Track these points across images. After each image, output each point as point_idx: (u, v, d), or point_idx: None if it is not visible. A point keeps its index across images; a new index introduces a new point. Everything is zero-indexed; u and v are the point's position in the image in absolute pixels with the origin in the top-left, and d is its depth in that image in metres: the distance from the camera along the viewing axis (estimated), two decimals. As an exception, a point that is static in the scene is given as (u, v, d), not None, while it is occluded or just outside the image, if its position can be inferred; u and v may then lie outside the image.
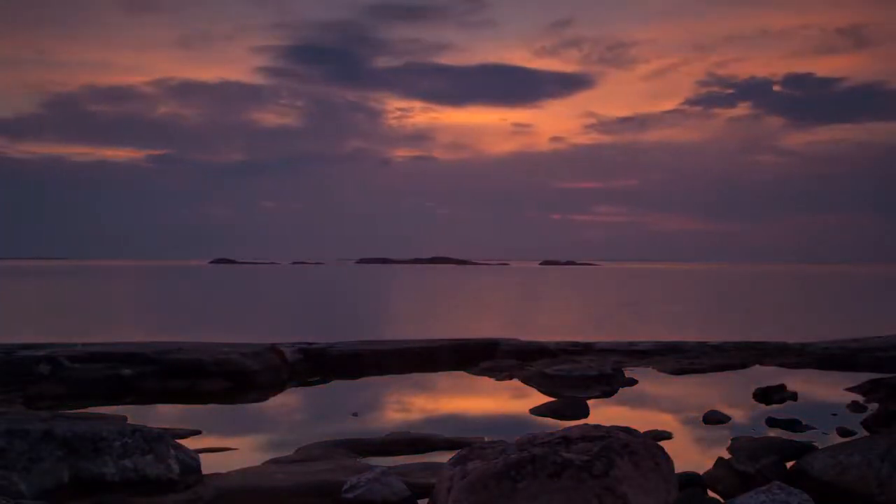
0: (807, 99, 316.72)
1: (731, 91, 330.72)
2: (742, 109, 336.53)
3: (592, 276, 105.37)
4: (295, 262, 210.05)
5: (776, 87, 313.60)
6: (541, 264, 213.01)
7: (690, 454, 7.32)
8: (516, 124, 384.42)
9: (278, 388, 11.40)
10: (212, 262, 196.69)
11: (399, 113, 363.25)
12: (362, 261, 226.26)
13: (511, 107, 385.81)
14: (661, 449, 4.94)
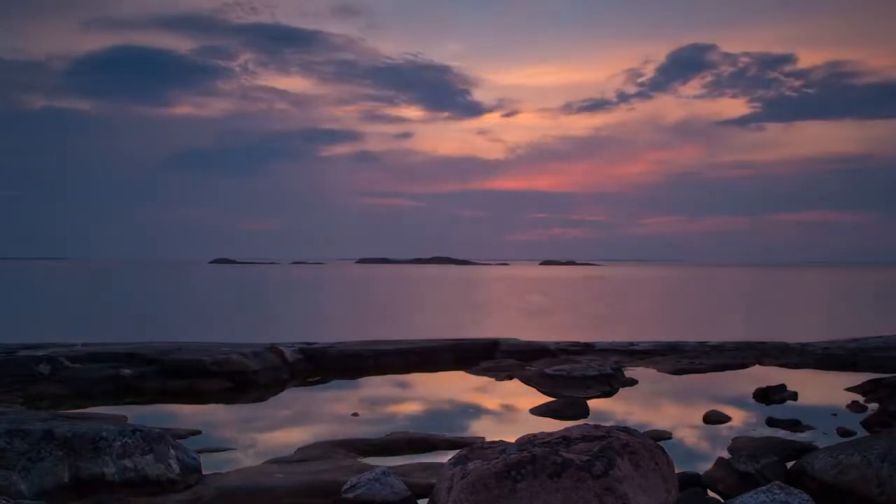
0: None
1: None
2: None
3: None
4: (295, 262, 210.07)
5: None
6: (541, 264, 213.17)
7: (690, 454, 7.31)
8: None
9: (278, 388, 11.40)
10: (211, 262, 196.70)
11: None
12: (362, 261, 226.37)
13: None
14: (661, 449, 4.93)
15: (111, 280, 75.66)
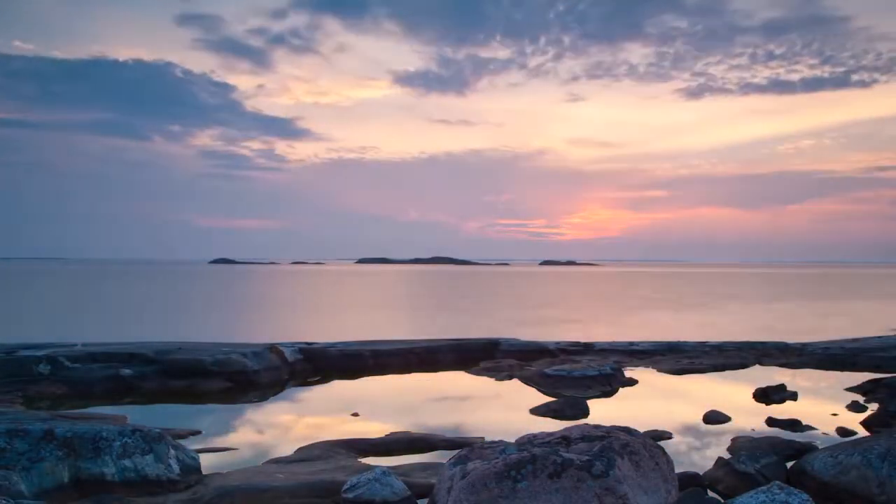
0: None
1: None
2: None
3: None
4: (295, 262, 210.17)
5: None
6: (540, 264, 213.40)
7: (690, 454, 7.32)
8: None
9: (278, 388, 11.40)
10: (211, 263, 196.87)
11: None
12: (362, 261, 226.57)
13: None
14: (661, 449, 4.93)
15: (111, 280, 75.65)
